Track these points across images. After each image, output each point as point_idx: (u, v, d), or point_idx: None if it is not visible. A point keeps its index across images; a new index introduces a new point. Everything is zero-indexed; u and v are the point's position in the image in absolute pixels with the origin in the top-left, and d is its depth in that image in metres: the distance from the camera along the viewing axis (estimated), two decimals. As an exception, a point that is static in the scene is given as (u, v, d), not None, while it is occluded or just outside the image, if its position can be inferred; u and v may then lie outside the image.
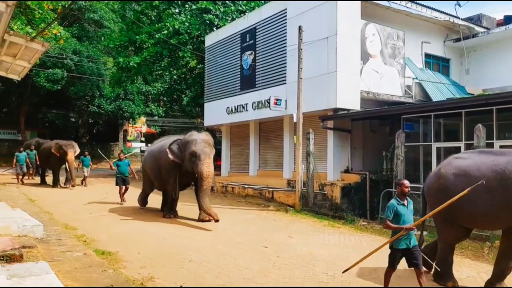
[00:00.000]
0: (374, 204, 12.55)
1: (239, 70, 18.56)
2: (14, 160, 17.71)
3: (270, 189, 14.65)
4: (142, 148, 32.37)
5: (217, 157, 26.47)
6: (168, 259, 6.81)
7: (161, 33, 22.47)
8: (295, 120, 13.35)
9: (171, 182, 10.40)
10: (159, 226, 9.77)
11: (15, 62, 8.30)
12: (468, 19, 18.06)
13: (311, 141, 13.14)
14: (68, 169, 16.79)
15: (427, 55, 16.99)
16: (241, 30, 18.42)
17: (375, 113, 13.64)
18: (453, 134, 12.10)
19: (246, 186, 16.05)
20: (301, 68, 12.90)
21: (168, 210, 10.83)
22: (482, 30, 17.63)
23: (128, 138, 35.16)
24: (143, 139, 35.50)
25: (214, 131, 28.00)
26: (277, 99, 15.20)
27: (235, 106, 18.52)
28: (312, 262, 6.81)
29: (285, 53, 15.60)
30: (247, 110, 17.74)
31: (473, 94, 14.64)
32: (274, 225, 10.23)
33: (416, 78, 15.58)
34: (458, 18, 17.28)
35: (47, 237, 7.75)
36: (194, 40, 23.40)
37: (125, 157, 13.07)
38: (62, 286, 4.81)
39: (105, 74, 30.98)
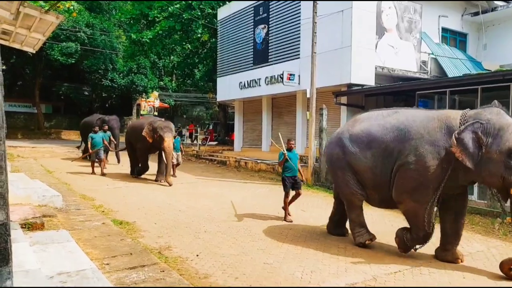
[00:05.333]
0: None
1: (252, 44, 18.33)
2: (89, 144, 13.54)
3: (282, 164, 14.66)
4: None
5: (231, 132, 26.64)
6: (184, 229, 6.96)
7: (174, 7, 22.21)
8: (308, 95, 13.25)
9: (425, 198, 5.40)
10: (174, 198, 9.94)
11: (30, 35, 8.27)
12: (488, -8, 17.46)
13: (324, 117, 13.05)
14: (164, 160, 12.02)
15: (444, 30, 16.53)
16: (254, 3, 18.08)
17: (389, 89, 13.44)
18: (468, 111, 11.88)
19: (259, 161, 16.12)
20: (315, 42, 12.69)
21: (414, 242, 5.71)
22: (501, 3, 17.02)
23: (141, 112, 35.32)
24: (156, 113, 35.62)
25: (226, 107, 28.03)
26: (290, 74, 15.04)
27: (247, 81, 18.40)
28: (324, 235, 6.90)
29: (299, 26, 15.32)
30: (259, 85, 17.62)
31: (490, 70, 14.28)
32: (287, 199, 10.32)
33: (432, 54, 15.23)
34: (477, -9, 16.71)
35: (66, 207, 7.96)
36: (206, 14, 23.09)
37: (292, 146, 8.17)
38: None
39: (118, 47, 30.88)
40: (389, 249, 6.11)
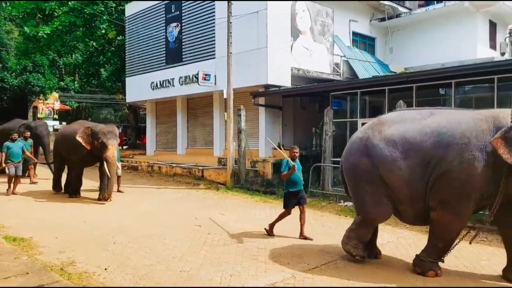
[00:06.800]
0: (304, 178, 13.06)
1: (164, 42, 17.99)
2: (3, 155, 11.16)
3: (200, 168, 14.61)
4: (55, 127, 30.35)
5: (142, 135, 25.75)
6: (90, 242, 6.56)
7: (74, 1, 21.00)
8: (225, 96, 13.35)
9: (464, 210, 5.09)
10: (78, 208, 9.33)
11: None
12: (393, -1, 19.18)
13: (243, 117, 13.25)
14: (107, 172, 9.95)
15: (355, 34, 17.77)
16: (165, 0, 17.79)
17: (305, 90, 14.10)
18: (377, 111, 12.88)
19: (174, 165, 15.84)
20: (231, 43, 12.82)
21: None
22: (405, 10, 18.84)
23: (39, 115, 32.58)
24: (56, 116, 33.16)
25: (137, 108, 27.11)
26: (206, 74, 15.02)
27: (160, 81, 18.00)
28: (244, 237, 6.97)
29: (214, 26, 15.39)
30: (173, 85, 17.33)
31: (396, 72, 15.67)
32: (205, 203, 10.29)
33: (344, 56, 16.27)
34: (383, -2, 18.27)
35: None
36: (113, 9, 22.17)
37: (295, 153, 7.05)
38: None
39: (9, 44, 28.27)
40: (308, 247, 6.37)
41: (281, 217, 7.03)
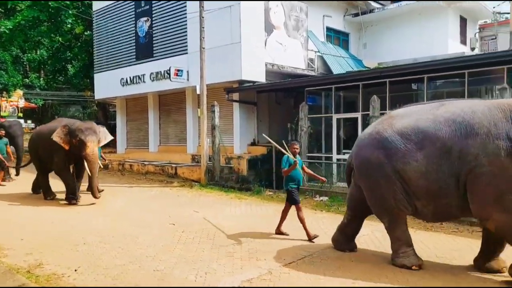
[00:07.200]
0: (279, 174, 13.12)
1: (134, 37, 17.68)
2: None
3: (173, 165, 14.48)
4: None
5: (112, 133, 25.25)
6: (59, 243, 6.38)
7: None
8: (198, 92, 13.23)
9: None
10: (45, 209, 9.09)
11: None
12: (366, -5, 19.45)
13: (217, 114, 13.18)
14: (88, 171, 9.48)
15: (329, 29, 17.95)
16: (135, -6, 17.53)
17: (279, 85, 14.16)
18: (351, 106, 13.09)
19: (146, 162, 15.63)
20: (203, 38, 12.71)
21: None
22: (378, 6, 19.14)
23: (2, 114, 31.49)
24: (20, 114, 32.10)
25: (106, 105, 26.60)
26: (178, 70, 14.87)
27: (130, 77, 17.69)
28: (219, 234, 6.95)
29: (186, 21, 15.22)
30: (144, 81, 17.07)
31: (370, 68, 15.93)
32: (179, 201, 10.20)
33: (318, 51, 16.42)
34: (357, -7, 18.52)
35: None
36: (79, 3, 21.66)
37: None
38: None
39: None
40: (284, 242, 6.41)
41: (301, 218, 6.68)
